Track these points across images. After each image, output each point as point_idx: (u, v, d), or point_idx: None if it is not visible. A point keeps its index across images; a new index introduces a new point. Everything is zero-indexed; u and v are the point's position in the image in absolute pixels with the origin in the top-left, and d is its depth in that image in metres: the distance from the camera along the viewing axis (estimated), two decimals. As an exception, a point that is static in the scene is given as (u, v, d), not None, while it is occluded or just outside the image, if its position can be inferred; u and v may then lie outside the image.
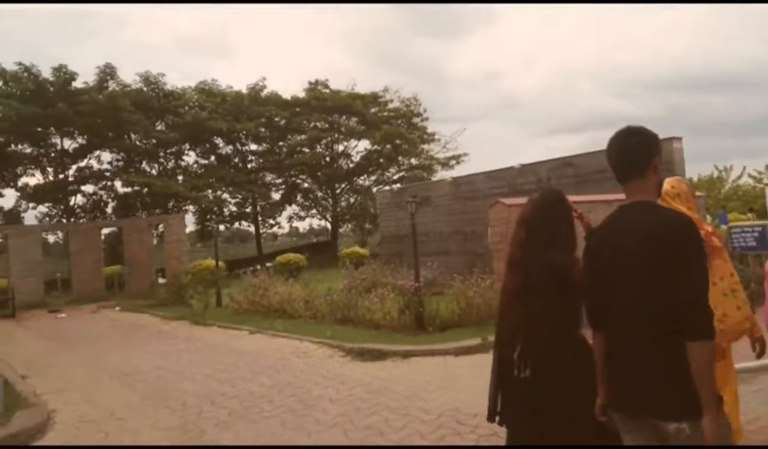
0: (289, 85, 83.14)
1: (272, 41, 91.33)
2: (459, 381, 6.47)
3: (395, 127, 34.99)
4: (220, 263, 24.12)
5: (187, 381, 7.34)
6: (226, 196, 34.37)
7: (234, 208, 35.51)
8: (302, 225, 59.55)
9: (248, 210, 35.99)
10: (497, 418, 2.78)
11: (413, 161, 37.31)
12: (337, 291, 11.63)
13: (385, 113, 36.77)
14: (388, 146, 35.10)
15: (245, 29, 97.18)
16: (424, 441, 4.70)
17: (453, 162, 37.52)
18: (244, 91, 34.74)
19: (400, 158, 36.74)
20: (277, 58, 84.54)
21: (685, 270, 1.93)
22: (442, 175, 34.04)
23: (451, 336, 8.59)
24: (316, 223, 44.99)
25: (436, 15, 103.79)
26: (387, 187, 32.41)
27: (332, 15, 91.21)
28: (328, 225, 40.08)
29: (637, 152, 2.16)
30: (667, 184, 3.27)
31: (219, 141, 34.76)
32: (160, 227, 24.33)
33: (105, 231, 29.42)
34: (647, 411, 2.02)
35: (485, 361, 7.25)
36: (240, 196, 34.48)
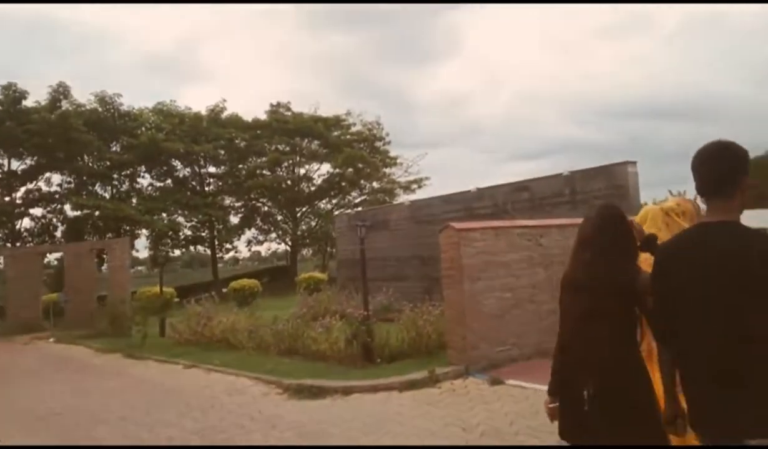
0: (251, 108, 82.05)
1: (236, 65, 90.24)
2: (401, 422, 5.95)
3: (357, 151, 34.58)
4: (171, 290, 23.21)
5: (102, 425, 6.61)
6: (181, 219, 33.22)
7: (189, 232, 34.34)
8: (263, 249, 58.39)
9: (205, 234, 34.90)
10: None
11: (375, 185, 36.85)
12: (284, 320, 10.96)
13: (348, 136, 36.35)
14: (350, 169, 34.58)
15: (209, 51, 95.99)
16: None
17: (414, 186, 37.24)
18: (204, 112, 33.95)
19: (362, 182, 36.22)
20: (240, 82, 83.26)
21: None
22: (404, 199, 33.69)
23: (398, 368, 8.07)
24: (277, 246, 43.96)
25: (402, 42, 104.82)
26: (347, 211, 31.87)
27: (298, 40, 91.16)
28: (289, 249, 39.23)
29: (728, 168, 2.06)
30: (672, 201, 3.33)
31: (176, 163, 33.78)
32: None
33: (56, 256, 27.95)
34: (738, 433, 1.90)
35: (431, 397, 6.84)
36: (196, 220, 33.35)
